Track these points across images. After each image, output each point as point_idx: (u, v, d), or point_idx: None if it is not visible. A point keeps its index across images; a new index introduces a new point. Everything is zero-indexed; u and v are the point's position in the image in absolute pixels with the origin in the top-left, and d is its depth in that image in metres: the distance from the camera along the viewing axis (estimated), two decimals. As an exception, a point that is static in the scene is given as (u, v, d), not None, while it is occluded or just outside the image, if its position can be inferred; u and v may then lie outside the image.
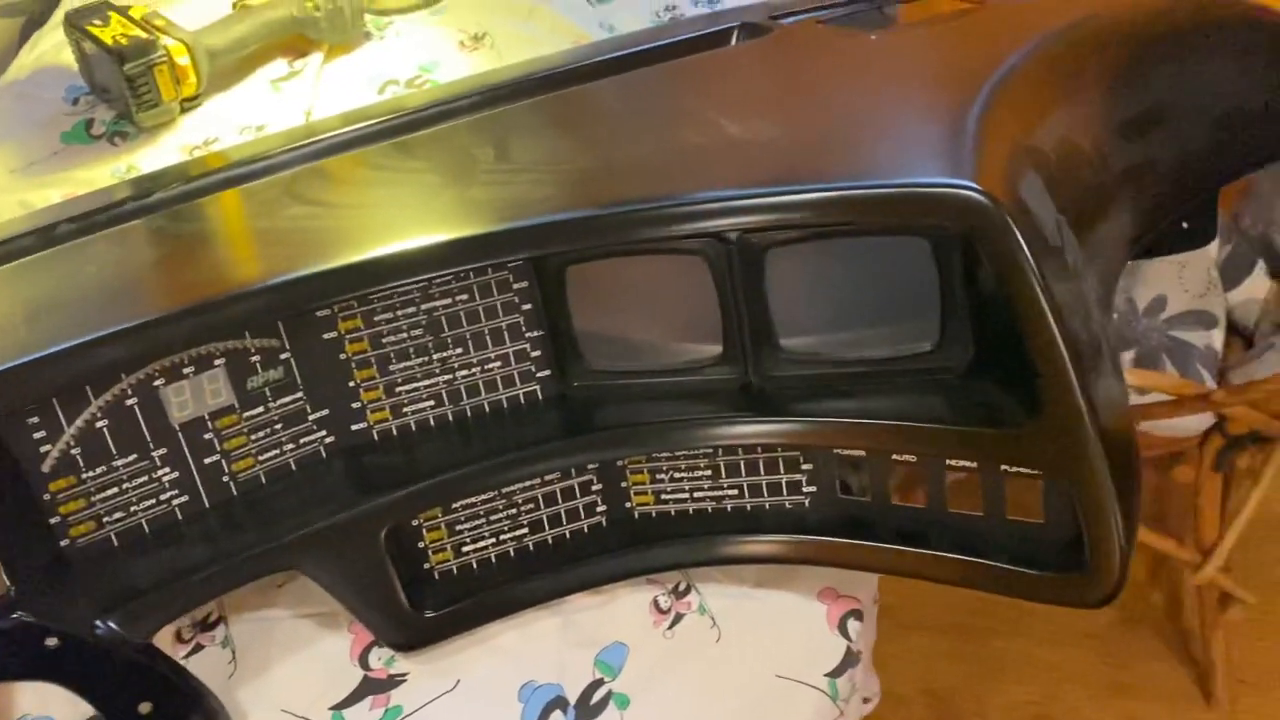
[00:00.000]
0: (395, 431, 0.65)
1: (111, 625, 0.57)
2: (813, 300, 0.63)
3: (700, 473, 0.66)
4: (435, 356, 0.64)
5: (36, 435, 0.57)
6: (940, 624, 1.53)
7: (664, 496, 0.67)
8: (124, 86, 0.93)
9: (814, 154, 0.62)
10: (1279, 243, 1.33)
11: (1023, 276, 0.53)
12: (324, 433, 0.64)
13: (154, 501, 0.61)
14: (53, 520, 0.59)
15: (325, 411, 0.63)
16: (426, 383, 0.65)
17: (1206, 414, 1.22)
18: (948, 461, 0.60)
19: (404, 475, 0.63)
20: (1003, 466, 0.59)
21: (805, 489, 0.65)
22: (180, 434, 0.60)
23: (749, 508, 0.66)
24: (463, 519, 0.65)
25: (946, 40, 0.75)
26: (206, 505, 0.62)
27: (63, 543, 0.59)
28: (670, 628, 0.66)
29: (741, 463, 0.65)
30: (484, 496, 0.65)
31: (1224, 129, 0.78)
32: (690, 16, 1.08)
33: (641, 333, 0.66)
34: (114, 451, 0.59)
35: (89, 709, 0.57)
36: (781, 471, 0.65)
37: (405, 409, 0.65)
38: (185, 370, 0.60)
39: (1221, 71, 0.77)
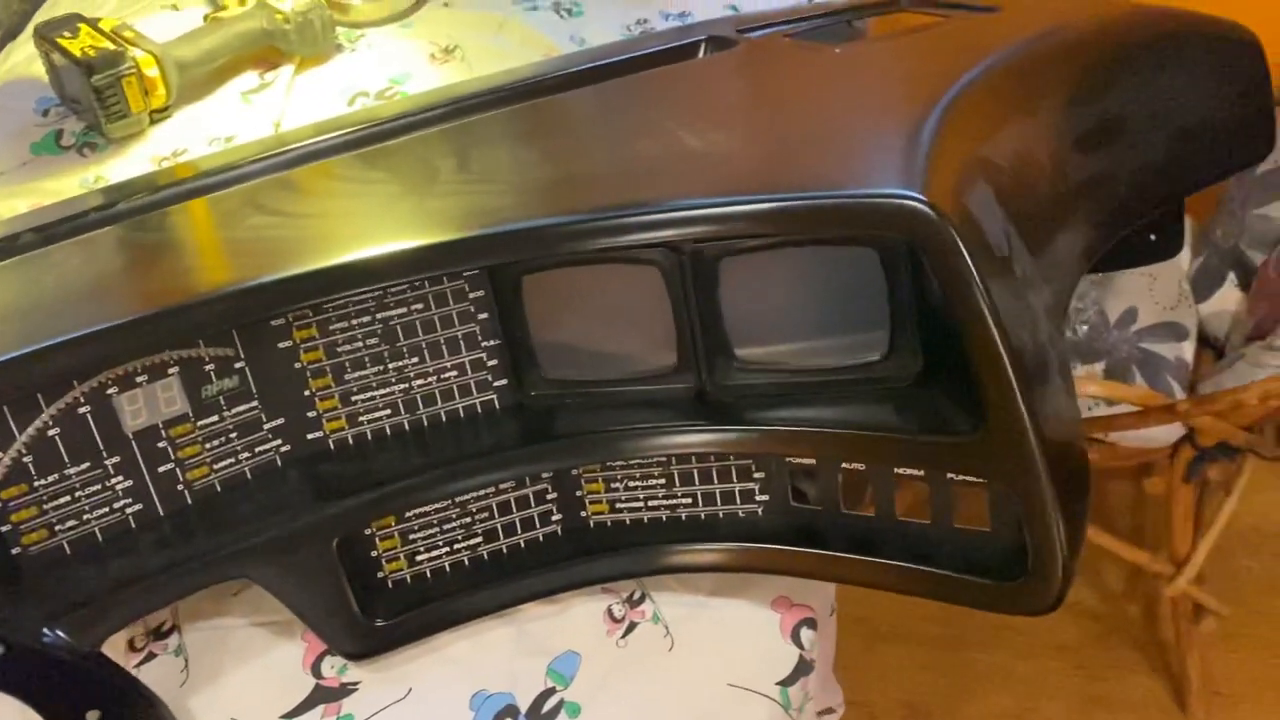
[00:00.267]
0: (351, 440, 0.65)
1: (59, 633, 0.57)
2: (766, 310, 0.64)
3: (655, 481, 0.66)
4: (391, 365, 0.64)
5: (-13, 443, 0.57)
6: (917, 636, 1.53)
7: (619, 505, 0.67)
8: (92, 98, 0.94)
9: (769, 165, 0.63)
10: (1250, 255, 1.33)
11: (966, 287, 0.54)
12: (279, 441, 0.64)
13: (107, 510, 0.61)
14: (3, 528, 0.58)
15: (280, 420, 0.64)
16: (382, 392, 0.65)
17: (1176, 425, 1.22)
18: (896, 470, 0.61)
19: (358, 483, 0.63)
20: (950, 475, 0.60)
21: (758, 498, 0.65)
22: (134, 442, 0.60)
23: (703, 516, 0.67)
24: (416, 528, 0.66)
25: (909, 54, 0.76)
26: (160, 513, 0.62)
27: (14, 550, 0.59)
28: (624, 636, 0.66)
29: (695, 471, 0.66)
30: (438, 505, 0.65)
31: (1183, 141, 0.79)
32: (660, 30, 1.08)
33: (598, 342, 0.66)
34: (66, 460, 0.59)
35: (37, 717, 0.57)
36: (734, 480, 0.65)
37: (361, 418, 0.65)
38: (139, 379, 0.60)
39: (1179, 84, 0.78)
